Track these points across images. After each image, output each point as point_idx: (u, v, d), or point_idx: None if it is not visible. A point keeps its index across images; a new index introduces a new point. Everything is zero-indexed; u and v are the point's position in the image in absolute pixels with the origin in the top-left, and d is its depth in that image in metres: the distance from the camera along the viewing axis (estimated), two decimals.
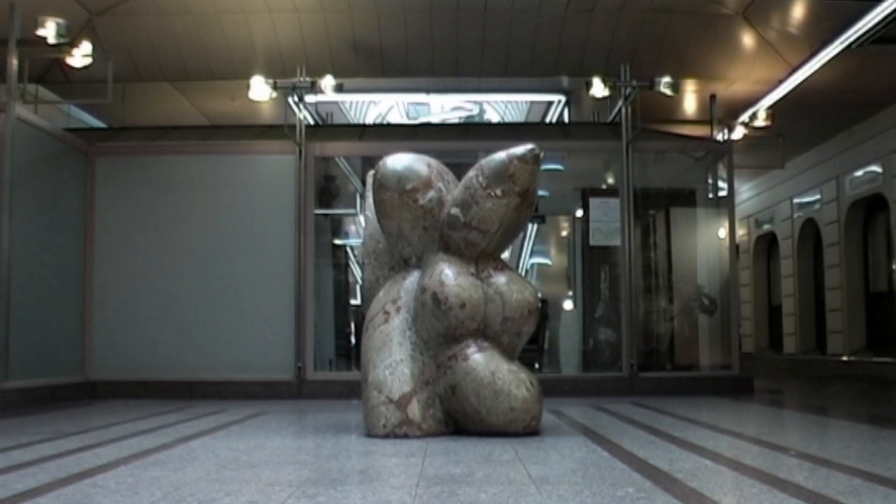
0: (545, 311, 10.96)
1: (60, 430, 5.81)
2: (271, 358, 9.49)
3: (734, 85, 11.57)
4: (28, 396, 8.07)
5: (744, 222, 18.40)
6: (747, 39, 10.87)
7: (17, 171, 7.93)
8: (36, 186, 8.56)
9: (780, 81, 11.38)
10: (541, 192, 10.33)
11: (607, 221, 10.02)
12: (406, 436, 5.14)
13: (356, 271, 11.89)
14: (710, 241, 10.83)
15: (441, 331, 5.27)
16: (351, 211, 11.97)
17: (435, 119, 13.53)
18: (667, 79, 9.93)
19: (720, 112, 10.92)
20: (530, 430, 5.20)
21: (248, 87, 9.89)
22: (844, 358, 14.18)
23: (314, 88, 9.86)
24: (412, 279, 5.56)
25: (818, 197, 15.35)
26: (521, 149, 5.29)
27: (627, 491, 3.23)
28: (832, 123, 13.58)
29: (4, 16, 7.96)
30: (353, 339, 10.98)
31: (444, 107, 13.59)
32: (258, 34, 10.71)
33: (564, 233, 13.42)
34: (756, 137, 11.97)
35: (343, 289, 10.69)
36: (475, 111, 13.76)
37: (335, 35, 10.78)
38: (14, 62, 7.97)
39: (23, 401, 7.92)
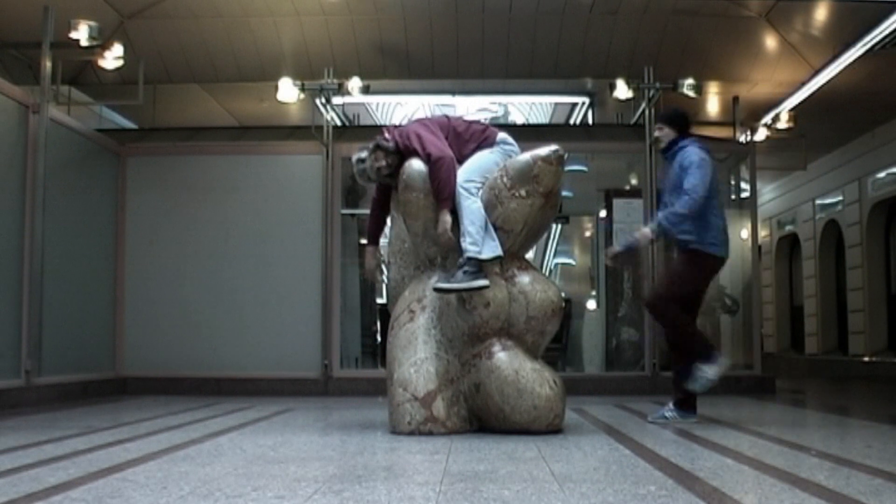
0: (568, 311, 10.99)
1: (91, 425, 5.90)
2: (298, 356, 9.58)
3: (757, 87, 11.55)
4: (60, 392, 8.21)
5: (766, 223, 18.33)
6: (770, 42, 10.85)
7: (50, 171, 8.04)
8: (68, 186, 8.68)
9: (803, 83, 11.34)
10: (565, 193, 10.36)
11: (630, 222, 10.04)
12: (430, 433, 5.20)
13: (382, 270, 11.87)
14: (732, 241, 10.78)
15: (465, 329, 5.33)
16: None
17: None
18: (690, 81, 9.97)
19: (743, 114, 10.92)
20: (553, 428, 5.25)
21: (276, 88, 10.01)
22: (866, 359, 14.13)
23: (341, 90, 9.96)
24: (437, 278, 5.61)
25: (840, 198, 15.29)
26: (545, 150, 5.34)
27: (649, 489, 3.28)
28: (854, 125, 13.51)
29: (38, 18, 8.07)
30: (378, 338, 11.01)
31: (470, 108, 13.61)
32: (286, 36, 10.77)
33: (588, 233, 13.44)
34: (778, 139, 11.95)
35: (369, 287, 10.71)
36: (500, 112, 13.77)
37: (362, 37, 10.83)
38: (47, 64, 8.09)
39: (55, 396, 8.06)
